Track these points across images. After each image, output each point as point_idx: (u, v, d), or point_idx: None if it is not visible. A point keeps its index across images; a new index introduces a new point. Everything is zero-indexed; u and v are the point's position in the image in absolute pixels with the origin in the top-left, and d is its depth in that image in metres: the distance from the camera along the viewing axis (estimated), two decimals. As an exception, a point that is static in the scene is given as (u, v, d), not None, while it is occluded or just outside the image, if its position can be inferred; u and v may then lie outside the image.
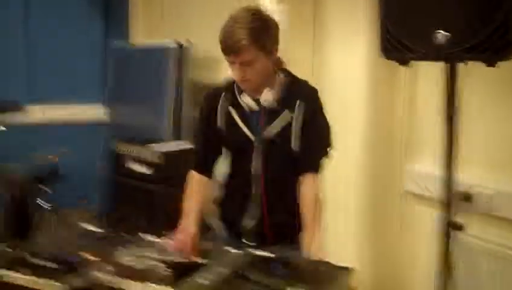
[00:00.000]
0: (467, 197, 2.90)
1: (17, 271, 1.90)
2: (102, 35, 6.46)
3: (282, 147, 2.30)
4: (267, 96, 2.27)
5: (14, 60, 6.00)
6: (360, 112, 3.53)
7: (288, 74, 2.40)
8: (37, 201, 4.83)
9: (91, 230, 2.39)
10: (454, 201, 2.26)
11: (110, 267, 1.83)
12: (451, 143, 2.18)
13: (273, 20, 2.26)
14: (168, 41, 5.23)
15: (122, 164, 4.86)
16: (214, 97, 2.41)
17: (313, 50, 3.93)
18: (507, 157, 2.87)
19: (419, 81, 3.37)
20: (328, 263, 2.05)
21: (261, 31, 2.17)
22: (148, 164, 4.63)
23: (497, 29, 1.85)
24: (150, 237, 2.22)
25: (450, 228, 2.20)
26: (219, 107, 2.37)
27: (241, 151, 2.38)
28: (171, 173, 4.49)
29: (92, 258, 1.96)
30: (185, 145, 4.76)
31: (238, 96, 2.34)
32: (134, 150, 4.75)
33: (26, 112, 5.30)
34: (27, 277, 1.87)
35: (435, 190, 2.27)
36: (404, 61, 2.21)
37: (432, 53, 2.03)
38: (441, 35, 1.97)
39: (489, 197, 2.89)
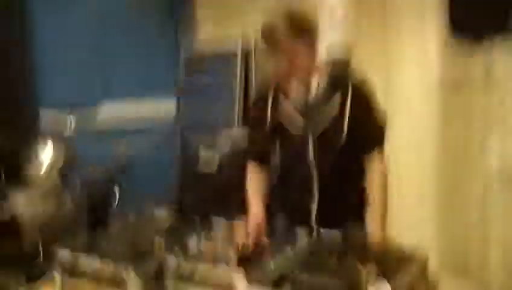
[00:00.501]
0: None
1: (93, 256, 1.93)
2: (174, 36, 6.56)
3: (336, 135, 2.31)
4: (315, 84, 2.30)
5: (91, 62, 6.16)
6: (435, 96, 3.48)
7: (334, 64, 2.43)
8: (114, 199, 4.95)
9: (164, 216, 2.43)
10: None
11: (181, 252, 1.84)
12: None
13: (312, 18, 2.31)
14: (234, 38, 5.29)
15: (192, 152, 4.93)
16: (264, 92, 2.46)
17: (383, 40, 3.87)
18: None
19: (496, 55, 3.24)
20: (402, 251, 2.00)
21: (299, 23, 2.22)
22: (217, 151, 4.68)
23: None
24: (222, 220, 2.23)
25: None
26: (269, 101, 2.41)
27: (294, 143, 2.39)
28: (239, 159, 4.52)
29: (163, 243, 1.98)
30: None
31: (287, 89, 2.36)
32: (203, 137, 4.81)
33: (100, 112, 5.43)
34: (99, 262, 1.91)
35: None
36: (477, 41, 2.12)
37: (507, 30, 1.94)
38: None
39: None
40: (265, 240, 2.15)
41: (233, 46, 5.26)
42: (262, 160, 2.53)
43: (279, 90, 2.40)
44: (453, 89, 3.43)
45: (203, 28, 6.54)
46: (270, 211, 2.52)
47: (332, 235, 2.13)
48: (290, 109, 2.36)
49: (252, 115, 2.63)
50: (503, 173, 3.31)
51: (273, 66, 2.30)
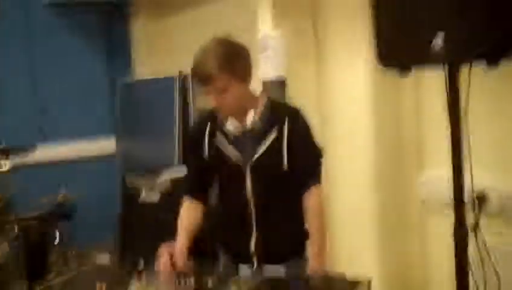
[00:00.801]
0: (482, 199, 2.87)
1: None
2: (106, 72, 6.52)
3: (274, 167, 2.31)
4: (251, 117, 2.30)
5: (22, 102, 6.04)
6: (369, 125, 3.52)
7: (269, 97, 2.44)
8: (54, 241, 4.82)
9: (106, 265, 2.37)
10: (468, 205, 2.23)
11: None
12: (457, 145, 2.16)
13: (243, 46, 2.29)
14: (171, 73, 5.28)
15: (133, 197, 4.86)
16: (200, 126, 2.44)
17: (317, 71, 3.93)
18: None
19: (425, 88, 3.35)
20: (344, 277, 2.01)
21: (229, 57, 2.20)
22: (158, 194, 4.63)
23: (500, 30, 1.83)
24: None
25: (464, 230, 2.16)
26: (206, 137, 2.39)
27: (232, 178, 2.38)
28: (180, 200, 4.49)
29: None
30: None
31: (223, 124, 2.35)
32: (143, 182, 4.76)
33: (37, 152, 5.30)
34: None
35: (450, 194, 2.24)
36: (403, 70, 2.18)
37: (432, 57, 2.00)
38: (440, 37, 1.95)
39: (504, 198, 2.85)
40: (186, 269, 2.16)
41: (170, 83, 5.24)
42: (198, 196, 2.49)
43: (215, 123, 2.39)
44: (386, 118, 3.51)
45: (139, 66, 6.53)
46: (212, 248, 2.51)
47: (274, 270, 2.12)
48: (225, 143, 2.35)
49: (189, 149, 2.60)
50: (430, 203, 3.39)
51: (207, 100, 2.29)
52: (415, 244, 3.50)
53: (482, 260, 2.31)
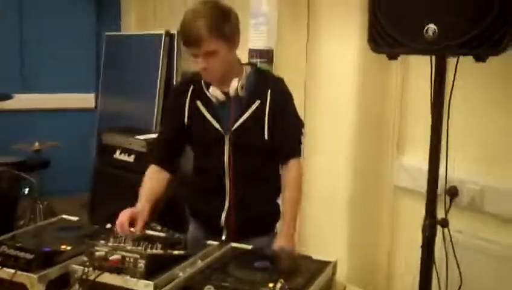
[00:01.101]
0: (454, 192, 2.88)
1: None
2: (95, 27, 6.47)
3: (254, 138, 2.28)
4: (234, 84, 2.26)
5: (8, 51, 5.99)
6: (352, 105, 3.50)
7: (254, 65, 2.42)
8: (24, 191, 4.79)
9: (74, 222, 2.36)
10: (440, 196, 2.24)
11: (85, 259, 1.79)
12: (438, 137, 2.16)
13: (232, 11, 2.25)
14: (158, 30, 5.22)
15: (109, 154, 4.83)
16: (182, 91, 2.39)
17: (307, 41, 3.90)
18: (496, 152, 2.85)
19: (411, 74, 3.35)
20: (310, 257, 2.02)
21: (219, 20, 2.16)
22: (133, 153, 4.61)
23: (490, 25, 1.82)
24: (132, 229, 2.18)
25: (434, 223, 2.17)
26: (187, 101, 2.34)
27: (210, 146, 2.34)
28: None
29: (69, 249, 1.93)
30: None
31: (205, 90, 2.31)
32: (120, 140, 4.73)
33: (17, 101, 5.26)
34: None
35: (424, 184, 2.24)
36: (393, 55, 2.17)
37: (422, 47, 1.99)
38: (432, 29, 1.94)
39: (477, 193, 2.87)
40: (140, 231, 2.15)
41: (156, 40, 5.18)
42: (165, 161, 2.43)
43: (197, 88, 2.34)
44: (369, 100, 3.50)
45: (126, 22, 6.45)
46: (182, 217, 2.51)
47: (244, 247, 2.11)
48: (206, 109, 2.31)
49: (168, 111, 2.56)
50: (403, 190, 3.41)
51: (193, 64, 2.25)
52: (385, 230, 3.52)
53: (446, 254, 2.33)
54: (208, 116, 2.30)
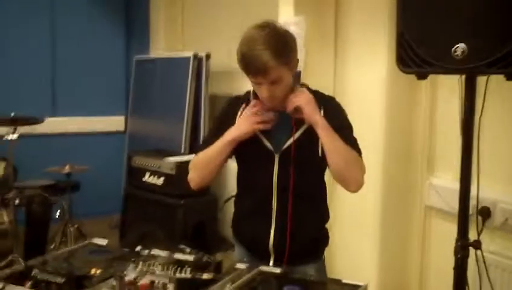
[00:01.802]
0: (486, 213, 2.84)
1: (22, 285, 1.87)
2: (124, 50, 6.57)
3: (306, 156, 2.21)
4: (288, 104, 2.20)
5: (39, 75, 6.12)
6: (381, 125, 3.48)
7: (305, 85, 2.35)
8: (55, 214, 4.84)
9: (104, 246, 2.37)
10: (472, 217, 2.21)
11: (115, 283, 1.80)
12: (468, 156, 2.13)
13: (289, 32, 2.20)
14: (186, 53, 5.27)
15: (138, 177, 4.87)
16: (236, 105, 2.34)
17: (334, 62, 3.90)
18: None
19: (440, 94, 3.33)
20: (340, 280, 1.99)
21: (282, 47, 2.11)
22: (162, 176, 4.64)
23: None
24: (162, 253, 2.18)
25: (466, 244, 2.14)
26: (238, 117, 2.29)
27: (259, 165, 2.28)
28: (184, 184, 4.52)
29: (98, 273, 1.93)
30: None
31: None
32: (149, 163, 4.76)
33: (48, 124, 5.34)
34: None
35: (455, 205, 2.21)
36: (422, 75, 2.16)
37: (451, 67, 1.98)
38: (461, 48, 1.93)
39: (510, 213, 2.83)
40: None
41: (185, 63, 5.22)
42: None
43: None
44: (398, 120, 3.48)
45: (155, 46, 6.53)
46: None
47: (272, 269, 2.09)
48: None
49: (215, 122, 2.45)
50: (435, 210, 3.37)
51: (256, 90, 2.21)
52: (416, 251, 3.48)
53: (480, 275, 2.29)
54: (259, 133, 2.25)
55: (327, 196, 2.38)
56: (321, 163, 2.21)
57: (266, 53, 2.06)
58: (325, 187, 2.36)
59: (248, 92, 2.35)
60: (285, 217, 2.24)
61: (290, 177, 2.22)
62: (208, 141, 2.38)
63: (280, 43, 2.10)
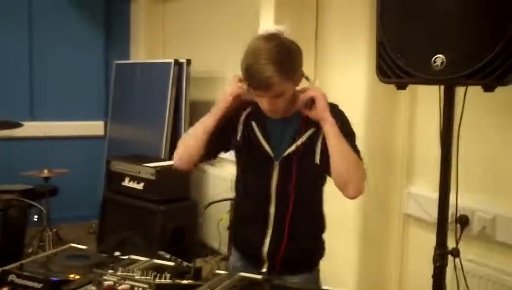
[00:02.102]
0: (465, 221, 2.88)
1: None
2: (104, 55, 6.54)
3: (305, 164, 2.19)
4: (291, 112, 2.20)
5: (17, 79, 6.07)
6: (360, 134, 3.43)
7: None
8: (32, 218, 4.80)
9: (82, 250, 2.35)
10: (451, 225, 2.23)
11: (94, 288, 1.79)
12: (447, 166, 2.16)
13: (295, 45, 2.15)
14: (167, 59, 5.27)
15: (117, 182, 4.84)
16: (240, 108, 2.31)
17: (315, 71, 3.92)
18: (508, 181, 2.84)
19: (419, 103, 3.36)
20: (319, 288, 2.00)
21: (287, 63, 2.07)
22: (142, 181, 4.62)
23: (497, 55, 1.83)
24: (141, 259, 2.17)
25: (444, 252, 2.16)
26: (242, 118, 2.29)
27: (259, 170, 2.26)
28: (163, 190, 4.50)
29: (77, 279, 1.92)
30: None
31: (264, 114, 2.23)
32: (129, 168, 4.74)
33: (26, 128, 5.30)
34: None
35: (434, 213, 2.23)
36: (401, 86, 2.19)
37: (430, 78, 2.00)
38: (440, 59, 1.95)
39: (489, 222, 2.86)
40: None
41: (165, 68, 5.21)
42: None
43: (254, 112, 2.27)
44: (378, 130, 3.50)
45: (135, 51, 6.52)
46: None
47: (252, 276, 2.09)
48: (260, 132, 2.24)
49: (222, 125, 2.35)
50: (413, 218, 3.40)
51: (257, 101, 2.18)
52: (394, 258, 3.50)
53: (458, 283, 2.31)
54: (261, 138, 2.24)
55: None
56: (320, 172, 2.20)
57: (270, 68, 2.01)
58: (322, 197, 2.33)
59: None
60: (282, 225, 2.22)
61: (289, 185, 2.20)
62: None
63: (285, 58, 2.06)
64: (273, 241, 2.24)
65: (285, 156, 2.20)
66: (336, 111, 2.22)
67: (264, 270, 2.24)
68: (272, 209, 2.24)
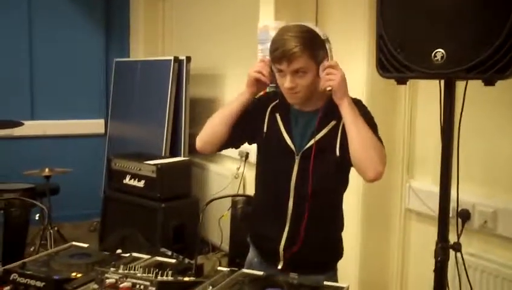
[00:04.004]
0: (466, 215, 2.87)
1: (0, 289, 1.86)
2: (104, 53, 6.54)
3: (325, 158, 2.17)
4: (313, 104, 2.21)
5: (18, 78, 6.07)
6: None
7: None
8: (34, 217, 4.79)
9: (84, 248, 2.35)
10: (452, 219, 2.22)
11: (96, 286, 1.79)
12: (448, 160, 2.15)
13: (323, 35, 2.18)
14: (167, 56, 5.27)
15: (118, 180, 4.84)
16: (267, 100, 2.32)
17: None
18: (508, 175, 2.84)
19: (420, 98, 3.36)
20: (322, 284, 1.99)
21: (312, 40, 2.12)
22: (143, 179, 4.62)
23: (497, 49, 1.82)
24: (143, 256, 2.18)
25: (446, 247, 2.15)
26: (268, 110, 2.29)
27: (279, 163, 2.25)
28: (164, 187, 4.50)
29: (79, 277, 1.92)
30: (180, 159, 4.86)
31: (289, 108, 2.25)
32: (130, 165, 4.74)
33: (27, 127, 5.30)
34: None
35: (435, 207, 2.23)
36: (401, 80, 2.18)
37: (430, 72, 2.00)
38: (440, 54, 1.94)
39: (490, 215, 2.86)
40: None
41: (165, 65, 5.20)
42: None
43: (282, 101, 2.26)
44: (378, 124, 3.50)
45: (134, 49, 6.52)
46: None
47: (254, 272, 2.09)
48: (284, 124, 2.24)
49: (249, 113, 2.33)
50: (415, 212, 3.41)
51: (279, 82, 2.18)
52: (396, 253, 3.50)
53: (459, 278, 2.31)
54: (284, 131, 2.24)
55: None
56: (340, 164, 2.18)
57: (294, 39, 2.08)
58: (342, 195, 2.32)
59: (277, 92, 2.31)
60: (299, 221, 2.20)
61: (308, 180, 2.18)
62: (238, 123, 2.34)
63: (312, 39, 2.12)
64: (289, 237, 2.22)
65: (306, 150, 2.19)
66: (358, 106, 2.21)
67: (279, 267, 2.23)
68: (290, 204, 2.22)
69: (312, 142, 2.19)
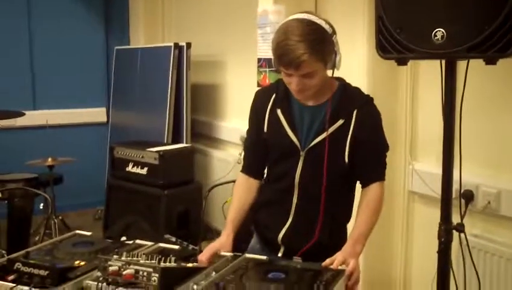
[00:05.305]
0: (469, 196, 2.87)
1: (4, 278, 1.86)
2: (104, 41, 6.52)
3: (330, 158, 2.15)
4: (321, 100, 2.18)
5: (18, 68, 6.05)
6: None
7: (341, 80, 2.28)
8: (38, 207, 4.81)
9: (87, 237, 2.36)
10: (455, 200, 2.22)
11: (99, 274, 1.80)
12: (450, 141, 2.14)
13: (328, 28, 2.09)
14: (167, 43, 5.25)
15: (121, 168, 4.84)
16: (263, 97, 2.29)
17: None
18: (511, 155, 2.83)
19: (421, 78, 3.33)
20: (325, 267, 1.99)
21: (320, 42, 2.02)
22: (146, 166, 4.62)
23: (498, 28, 1.81)
24: (146, 243, 2.18)
25: (449, 228, 2.15)
26: (268, 108, 2.25)
27: (285, 158, 2.23)
28: (167, 174, 4.50)
29: (82, 265, 1.93)
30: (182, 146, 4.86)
31: (291, 101, 2.22)
32: (132, 153, 4.74)
33: (29, 117, 5.30)
34: (10, 285, 1.83)
35: (438, 189, 2.23)
36: (402, 61, 2.17)
37: (431, 52, 1.98)
38: (440, 33, 1.93)
39: (493, 196, 2.85)
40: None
41: (166, 52, 5.19)
42: (253, 171, 2.35)
43: (279, 98, 2.24)
44: (380, 106, 3.48)
45: (134, 36, 6.50)
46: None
47: (257, 257, 2.09)
48: (286, 121, 2.20)
49: (250, 121, 2.38)
50: (418, 195, 3.40)
51: (285, 81, 2.14)
52: (399, 235, 3.50)
53: (463, 258, 2.31)
54: (287, 128, 2.20)
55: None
56: (345, 169, 2.17)
57: (301, 45, 1.98)
58: (347, 194, 2.31)
59: (277, 81, 2.28)
60: (302, 216, 2.21)
61: (314, 177, 2.17)
62: (247, 136, 2.40)
63: (317, 37, 2.02)
64: (290, 231, 2.23)
65: (312, 146, 2.17)
66: (367, 111, 2.20)
67: (279, 255, 2.24)
68: (295, 200, 2.22)
69: (319, 138, 2.15)
